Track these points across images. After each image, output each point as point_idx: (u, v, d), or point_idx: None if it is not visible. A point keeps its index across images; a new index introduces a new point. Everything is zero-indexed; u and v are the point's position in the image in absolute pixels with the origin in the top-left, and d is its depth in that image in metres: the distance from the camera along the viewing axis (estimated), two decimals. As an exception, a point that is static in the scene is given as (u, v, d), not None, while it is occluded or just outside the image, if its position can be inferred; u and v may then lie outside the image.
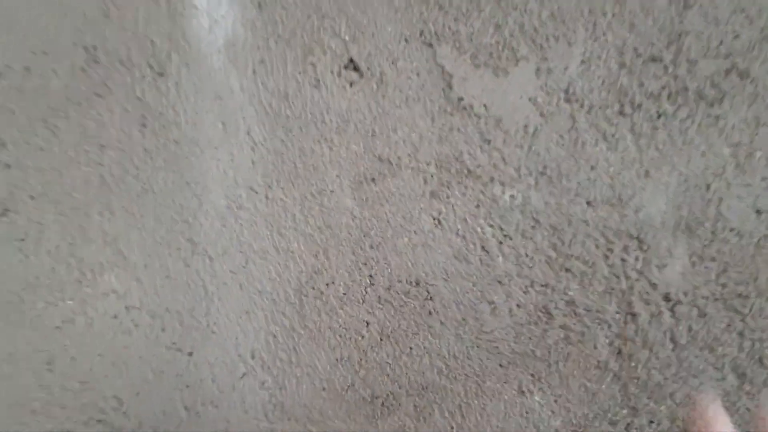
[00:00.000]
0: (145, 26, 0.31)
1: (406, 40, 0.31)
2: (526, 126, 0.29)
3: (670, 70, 0.29)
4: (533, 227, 0.29)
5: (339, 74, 0.31)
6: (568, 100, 0.29)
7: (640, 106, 0.29)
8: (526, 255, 0.28)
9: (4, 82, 0.31)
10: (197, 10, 0.32)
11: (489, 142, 0.30)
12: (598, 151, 0.29)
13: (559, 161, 0.29)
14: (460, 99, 0.30)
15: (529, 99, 0.30)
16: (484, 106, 0.30)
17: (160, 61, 0.31)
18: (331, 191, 0.30)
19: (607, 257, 0.28)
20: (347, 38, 0.31)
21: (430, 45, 0.31)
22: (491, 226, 0.29)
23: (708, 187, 0.29)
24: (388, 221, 0.30)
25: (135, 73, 0.31)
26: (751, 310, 0.28)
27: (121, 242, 0.30)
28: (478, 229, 0.29)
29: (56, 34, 0.31)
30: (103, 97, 0.31)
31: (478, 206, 0.29)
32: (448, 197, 0.30)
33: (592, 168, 0.29)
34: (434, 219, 0.30)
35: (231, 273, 0.28)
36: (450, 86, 0.30)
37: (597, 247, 0.28)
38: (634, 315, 0.28)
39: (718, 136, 0.29)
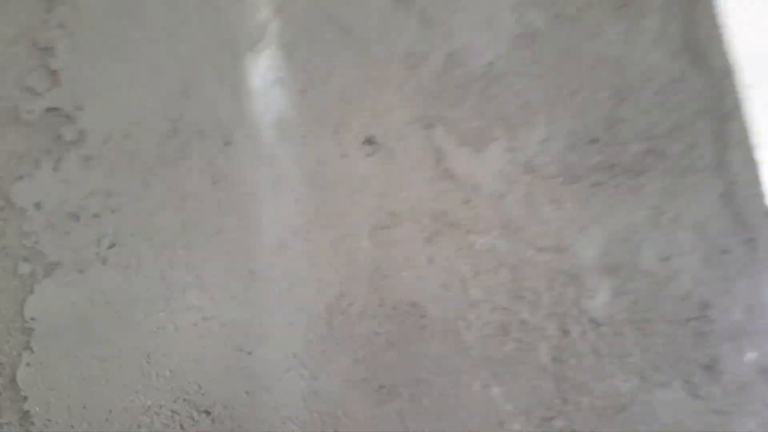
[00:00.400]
0: (215, 105, 0.43)
1: (411, 123, 0.42)
2: (496, 191, 0.40)
3: (606, 149, 0.40)
4: (497, 266, 0.40)
5: (360, 147, 0.42)
6: (527, 172, 0.40)
7: (581, 177, 0.40)
8: (492, 286, 0.39)
9: (109, 144, 0.42)
10: (255, 94, 0.43)
11: (468, 202, 0.41)
12: (548, 211, 0.40)
13: (519, 218, 0.40)
14: (449, 169, 0.41)
15: (499, 170, 0.41)
16: (466, 175, 0.41)
17: (227, 133, 0.43)
18: (353, 235, 0.41)
19: (551, 289, 0.39)
20: (367, 119, 0.42)
21: (429, 126, 0.42)
22: (467, 264, 0.40)
23: (627, 240, 0.40)
24: (394, 258, 0.41)
25: (208, 142, 0.42)
26: (653, 331, 0.39)
27: (199, 269, 0.41)
28: (459, 267, 0.40)
29: (147, 108, 0.43)
30: (184, 159, 0.42)
31: (459, 250, 0.41)
32: (438, 242, 0.41)
33: (543, 223, 0.40)
34: (427, 258, 0.41)
35: (279, 294, 0.40)
36: (442, 159, 0.41)
37: (544, 282, 0.39)
38: (568, 332, 0.39)
39: (638, 201, 0.40)
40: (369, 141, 0.41)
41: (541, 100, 0.41)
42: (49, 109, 0.42)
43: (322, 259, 0.38)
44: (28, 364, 0.39)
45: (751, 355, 0.37)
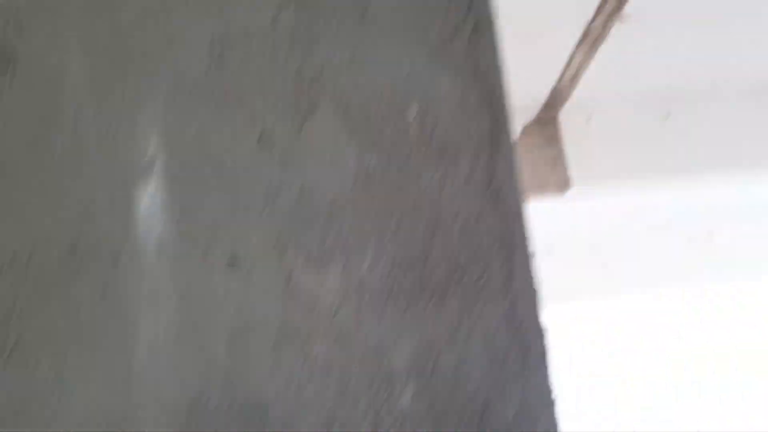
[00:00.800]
0: (107, 228, 0.52)
1: (267, 246, 0.53)
2: (332, 304, 0.50)
3: (420, 273, 0.51)
4: (329, 369, 0.50)
5: (224, 266, 0.52)
6: (358, 290, 0.51)
7: (399, 295, 0.52)
8: (323, 388, 0.50)
9: (17, 261, 0.51)
10: (141, 219, 0.53)
11: (310, 314, 0.52)
12: (373, 323, 0.51)
13: (349, 328, 0.50)
14: (296, 286, 0.52)
15: (336, 288, 0.52)
16: (310, 291, 0.52)
17: (116, 253, 0.52)
18: (213, 342, 0.51)
19: (369, 389, 0.50)
20: (232, 243, 0.52)
21: (282, 250, 0.53)
22: (304, 368, 0.51)
23: (431, 349, 0.51)
24: (245, 363, 0.51)
25: (99, 261, 0.52)
26: (446, 424, 0.50)
27: (87, 370, 0.51)
28: (298, 371, 0.51)
29: (50, 230, 0.52)
30: (80, 274, 0.52)
31: (299, 356, 0.51)
32: (282, 349, 0.51)
33: (368, 333, 0.51)
34: (273, 363, 0.52)
35: (150, 392, 0.50)
36: (290, 277, 0.52)
37: (365, 382, 0.50)
38: (380, 424, 0.50)
39: (441, 317, 0.52)
40: (232, 261, 0.51)
41: (372, 231, 0.52)
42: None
43: (187, 363, 0.48)
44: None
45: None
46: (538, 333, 0.51)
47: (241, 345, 0.50)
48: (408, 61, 0.56)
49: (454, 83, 0.56)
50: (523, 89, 4.11)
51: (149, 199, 0.53)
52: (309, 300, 0.51)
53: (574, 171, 4.21)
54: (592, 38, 3.33)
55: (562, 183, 4.17)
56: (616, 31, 3.24)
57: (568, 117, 4.27)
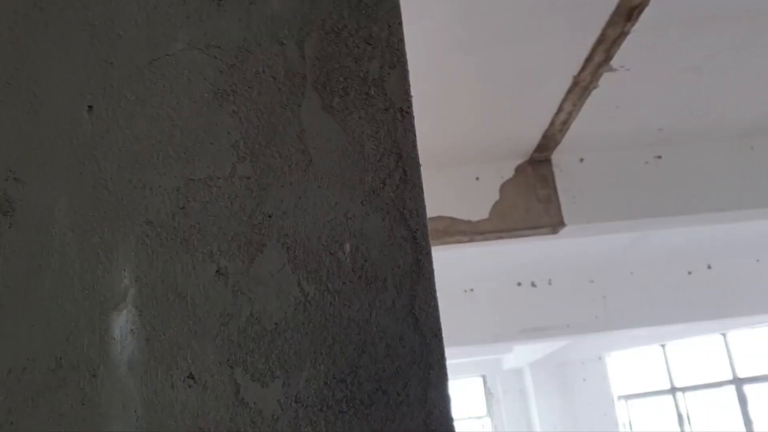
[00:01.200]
0: (86, 348, 0.67)
1: (220, 364, 0.67)
2: (274, 415, 0.65)
3: (350, 387, 0.66)
4: None
5: (184, 381, 0.66)
6: (297, 402, 0.65)
7: (331, 406, 0.66)
8: None
9: (11, 375, 0.66)
10: (115, 341, 0.68)
11: (254, 424, 0.65)
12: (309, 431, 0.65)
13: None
14: (244, 398, 0.66)
15: (278, 400, 0.66)
16: (255, 403, 0.66)
17: (93, 369, 0.66)
18: (173, 446, 0.65)
19: None
20: (190, 361, 0.67)
21: (232, 367, 0.67)
22: None
23: None
24: None
25: (80, 374, 0.66)
26: None
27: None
28: None
29: (41, 349, 0.67)
30: (63, 387, 0.66)
31: None
32: None
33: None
34: None
35: None
36: (239, 391, 0.66)
37: None
38: None
39: (366, 426, 0.66)
40: (190, 376, 0.65)
41: (309, 350, 0.67)
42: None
43: None
44: None
45: None
46: (448, 439, 0.65)
47: (195, 450, 0.64)
48: (344, 205, 0.72)
49: (383, 223, 0.72)
50: (515, 133, 4.35)
51: (122, 324, 0.68)
52: (254, 410, 0.66)
53: (566, 210, 4.39)
54: (581, 87, 3.59)
55: (555, 222, 4.33)
56: (606, 80, 3.49)
57: (561, 158, 4.48)
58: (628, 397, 10.35)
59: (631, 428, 10.14)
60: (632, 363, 10.26)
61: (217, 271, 0.71)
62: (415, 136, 0.77)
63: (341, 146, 0.76)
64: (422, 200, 0.75)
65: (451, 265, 6.52)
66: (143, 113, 0.77)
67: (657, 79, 3.66)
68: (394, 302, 0.71)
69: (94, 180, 0.74)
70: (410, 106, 0.78)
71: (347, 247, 0.73)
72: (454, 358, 10.55)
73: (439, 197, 4.39)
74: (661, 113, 4.10)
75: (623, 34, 3.05)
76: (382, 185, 0.75)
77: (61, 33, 0.79)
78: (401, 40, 0.80)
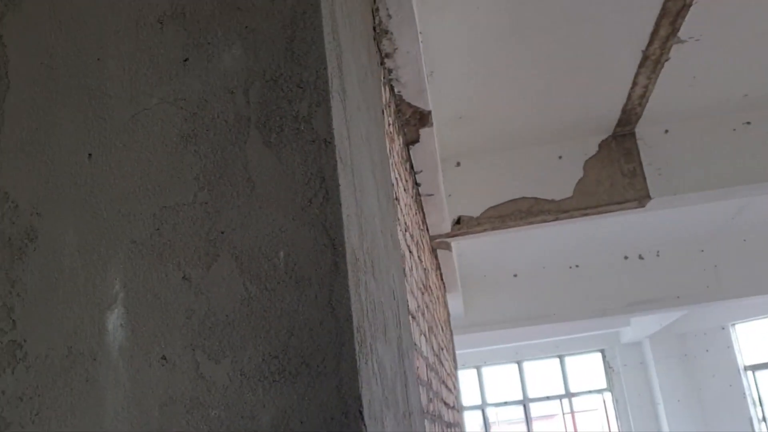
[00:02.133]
0: (89, 340, 0.91)
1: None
2: (224, 384, 0.86)
3: (285, 361, 0.87)
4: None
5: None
6: (242, 374, 0.86)
7: (266, 378, 0.87)
8: None
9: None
10: (110, 334, 0.91)
11: None
12: (250, 398, 0.86)
13: (234, 399, 0.86)
14: (202, 374, 0.88)
15: None
16: None
17: (94, 355, 0.90)
18: None
19: None
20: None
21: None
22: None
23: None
24: None
25: (83, 359, 0.90)
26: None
27: None
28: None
29: (56, 334, 0.91)
30: (74, 368, 0.90)
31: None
32: None
33: None
34: None
35: None
36: (199, 368, 0.88)
37: None
38: None
39: None
40: (163, 357, 0.88)
41: (251, 335, 0.88)
42: None
43: (135, 421, 0.85)
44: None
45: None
46: (355, 401, 0.85)
47: (167, 410, 0.87)
48: (279, 221, 0.93)
49: (309, 234, 0.92)
50: (594, 110, 4.45)
51: (114, 320, 0.91)
52: (209, 381, 0.88)
53: (652, 183, 4.45)
54: (653, 60, 3.66)
55: (641, 196, 4.39)
56: (677, 51, 3.53)
57: (645, 130, 4.52)
58: (756, 368, 10.03)
59: (760, 399, 9.83)
60: (761, 333, 9.88)
61: (183, 277, 0.93)
62: (336, 163, 0.96)
63: (277, 174, 0.96)
64: (340, 214, 0.95)
65: (553, 242, 6.61)
66: (128, 157, 0.99)
67: (731, 46, 3.66)
68: (316, 296, 0.91)
69: (93, 211, 0.97)
70: (333, 137, 0.97)
71: (281, 254, 0.93)
72: (569, 334, 10.58)
73: (521, 178, 4.50)
74: (744, 79, 4.06)
75: (686, 6, 3.08)
76: (309, 203, 0.95)
77: (68, 96, 1.03)
78: (326, 82, 0.99)
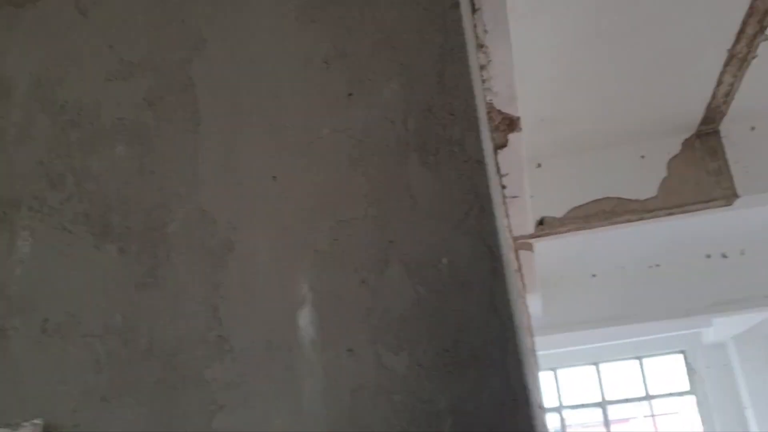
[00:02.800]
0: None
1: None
2: (403, 373, 1.02)
3: (456, 355, 1.02)
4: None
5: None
6: (419, 365, 1.02)
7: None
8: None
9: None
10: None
11: (391, 378, 1.04)
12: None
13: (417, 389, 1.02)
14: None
15: None
16: None
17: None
18: None
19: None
20: (349, 340, 1.06)
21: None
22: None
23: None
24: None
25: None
26: None
27: None
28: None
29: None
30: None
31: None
32: None
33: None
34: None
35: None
36: (380, 358, 1.05)
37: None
38: None
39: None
40: (350, 350, 1.04)
41: (424, 331, 1.03)
42: None
43: (330, 399, 1.02)
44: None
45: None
46: (523, 390, 0.99)
47: (357, 395, 1.03)
48: (440, 232, 1.08)
49: (468, 242, 1.07)
50: (677, 109, 4.47)
51: (304, 318, 1.08)
52: (390, 371, 1.03)
53: (739, 181, 4.43)
54: (739, 59, 3.69)
55: (728, 194, 4.38)
56: (764, 49, 3.55)
57: (730, 128, 4.50)
58: None
59: None
60: None
61: (360, 281, 1.10)
62: (488, 179, 1.11)
63: (436, 191, 1.11)
64: (495, 225, 1.09)
65: (632, 241, 6.60)
66: (307, 178, 1.17)
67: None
68: (478, 298, 1.06)
69: (280, 225, 1.15)
70: (483, 157, 1.12)
71: (444, 260, 1.08)
72: (648, 335, 10.43)
73: (604, 178, 4.56)
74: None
75: (775, 4, 3.11)
76: (465, 216, 1.10)
77: (251, 128, 1.21)
78: (475, 110, 1.14)
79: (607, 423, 11.32)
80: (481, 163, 1.12)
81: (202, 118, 1.24)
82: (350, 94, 1.19)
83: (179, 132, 1.24)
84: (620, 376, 11.35)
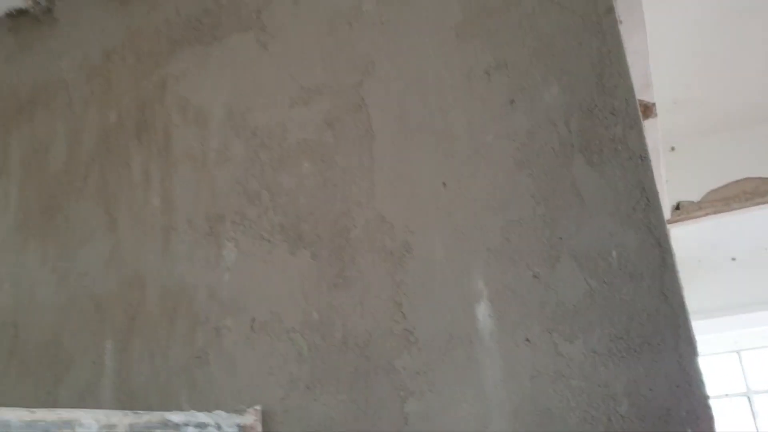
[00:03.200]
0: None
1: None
2: (580, 360, 1.10)
3: (629, 341, 1.09)
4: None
5: (523, 342, 1.15)
6: (593, 352, 1.10)
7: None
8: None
9: None
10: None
11: (568, 365, 1.12)
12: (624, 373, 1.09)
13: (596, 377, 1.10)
14: (559, 352, 1.13)
15: None
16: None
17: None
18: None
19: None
20: (525, 330, 1.16)
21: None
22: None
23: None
24: (539, 389, 1.13)
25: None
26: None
27: None
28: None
29: None
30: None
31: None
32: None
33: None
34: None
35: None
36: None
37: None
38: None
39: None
40: (527, 340, 1.14)
41: (597, 320, 1.11)
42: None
43: (509, 389, 1.12)
44: None
45: None
46: (696, 372, 1.04)
47: (536, 381, 1.12)
48: (608, 227, 1.15)
49: (636, 236, 1.13)
50: None
51: (481, 311, 1.18)
52: (567, 358, 1.11)
53: None
54: None
55: None
56: None
57: None
58: None
59: None
60: None
61: (533, 276, 1.18)
62: (652, 174, 1.16)
63: (601, 188, 1.18)
64: (662, 217, 1.14)
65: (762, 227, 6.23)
66: (475, 183, 1.27)
67: None
68: (649, 287, 1.11)
69: (453, 227, 1.26)
70: (647, 154, 1.17)
71: (614, 253, 1.15)
72: None
73: (743, 158, 4.36)
74: None
75: None
76: (633, 210, 1.15)
77: (420, 139, 1.34)
78: (635, 108, 1.19)
79: (754, 414, 10.50)
80: (644, 158, 1.17)
81: (376, 133, 1.38)
82: (512, 101, 1.28)
83: (356, 148, 1.39)
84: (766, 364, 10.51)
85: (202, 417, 1.08)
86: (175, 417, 1.04)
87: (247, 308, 1.38)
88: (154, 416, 0.99)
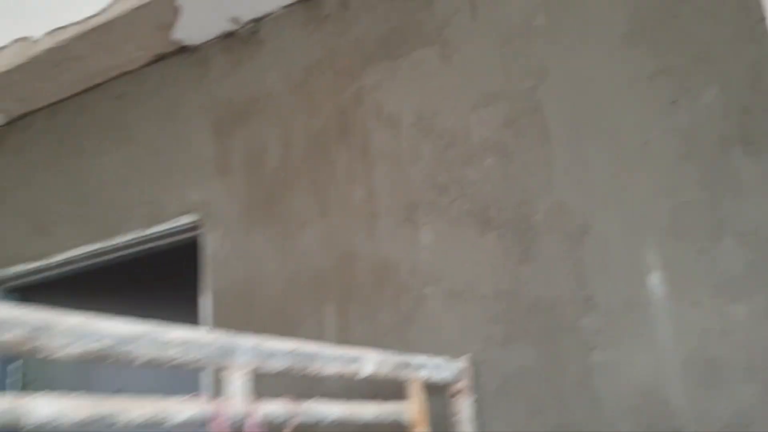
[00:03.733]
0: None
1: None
2: (742, 321, 1.35)
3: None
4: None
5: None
6: (752, 314, 1.34)
7: None
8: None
9: None
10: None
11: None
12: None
13: None
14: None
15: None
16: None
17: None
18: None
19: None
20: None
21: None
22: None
23: None
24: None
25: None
26: None
27: (638, 348, 1.43)
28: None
29: None
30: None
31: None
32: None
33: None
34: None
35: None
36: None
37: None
38: None
39: None
40: (695, 303, 1.39)
41: (761, 287, 1.35)
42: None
43: (680, 330, 1.37)
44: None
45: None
46: None
47: (704, 336, 1.36)
48: (766, 207, 1.37)
49: (792, 215, 1.34)
50: None
51: (654, 279, 1.44)
52: (730, 318, 1.35)
53: None
54: None
55: None
56: None
57: None
58: None
59: None
60: None
61: (698, 251, 1.42)
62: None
63: (758, 175, 1.40)
64: (816, 199, 1.35)
65: None
66: (643, 173, 1.52)
67: None
68: None
69: (627, 211, 1.52)
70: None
71: (772, 230, 1.37)
72: None
73: None
74: None
75: None
76: (788, 193, 1.37)
77: (597, 135, 1.59)
78: (790, 105, 1.40)
79: None
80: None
81: (552, 133, 1.65)
82: (674, 101, 1.52)
83: (534, 146, 1.66)
84: None
85: (433, 360, 1.42)
86: (415, 360, 1.37)
87: (444, 279, 1.70)
88: (403, 357, 1.33)
